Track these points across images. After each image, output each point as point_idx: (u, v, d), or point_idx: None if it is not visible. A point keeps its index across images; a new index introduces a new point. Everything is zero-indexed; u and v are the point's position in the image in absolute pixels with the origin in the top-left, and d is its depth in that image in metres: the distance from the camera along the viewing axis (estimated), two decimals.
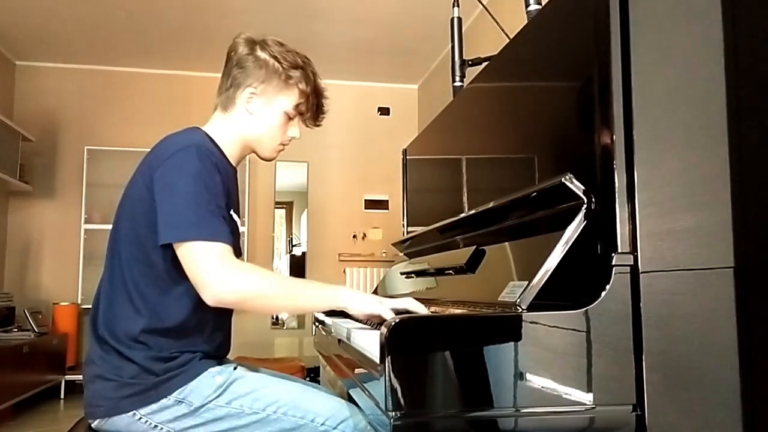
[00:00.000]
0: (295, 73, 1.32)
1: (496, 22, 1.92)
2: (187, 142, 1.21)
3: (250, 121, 1.33)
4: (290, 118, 1.36)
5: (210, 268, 1.12)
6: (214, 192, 1.18)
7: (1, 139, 3.92)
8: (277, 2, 3.60)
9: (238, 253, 1.26)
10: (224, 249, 1.14)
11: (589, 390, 0.88)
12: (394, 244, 2.15)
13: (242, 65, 1.31)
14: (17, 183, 4.17)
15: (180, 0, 3.60)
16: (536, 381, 0.88)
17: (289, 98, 1.33)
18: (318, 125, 1.43)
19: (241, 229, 4.98)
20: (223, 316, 1.31)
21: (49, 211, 4.53)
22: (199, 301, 1.19)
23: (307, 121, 1.40)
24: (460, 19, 1.96)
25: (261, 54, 1.31)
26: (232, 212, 1.29)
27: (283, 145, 1.40)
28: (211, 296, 1.12)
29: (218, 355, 1.32)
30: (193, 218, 1.13)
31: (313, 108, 1.38)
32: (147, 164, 1.23)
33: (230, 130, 1.34)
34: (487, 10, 2.07)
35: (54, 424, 3.46)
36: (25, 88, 4.58)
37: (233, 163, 1.37)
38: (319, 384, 1.54)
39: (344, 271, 4.75)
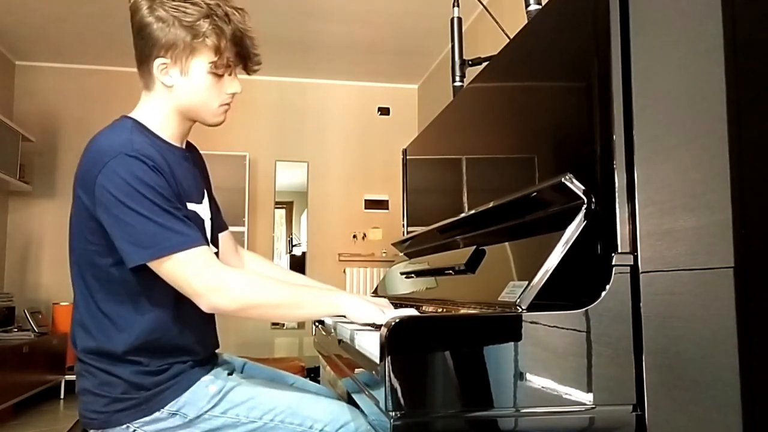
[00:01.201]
0: (202, 27, 1.12)
1: (496, 22, 1.92)
2: (116, 149, 1.09)
3: (174, 95, 1.18)
4: (219, 76, 1.18)
5: (201, 278, 1.08)
6: (163, 196, 1.08)
7: (1, 139, 3.93)
8: (277, 2, 3.60)
9: (215, 240, 1.20)
10: (205, 252, 1.10)
11: (589, 390, 0.88)
12: (394, 244, 2.15)
13: (142, 33, 1.14)
14: (17, 183, 4.17)
15: None
16: (536, 381, 0.88)
17: (203, 58, 1.15)
18: (252, 72, 1.24)
19: (242, 228, 4.92)
20: (205, 317, 1.23)
21: (49, 211, 4.53)
22: (176, 308, 1.15)
23: (239, 70, 1.23)
24: (460, 19, 1.96)
25: (160, 13, 1.12)
26: (190, 204, 1.21)
27: (226, 104, 1.23)
28: (207, 305, 1.09)
29: (208, 354, 1.29)
30: (158, 231, 1.06)
31: (237, 57, 1.19)
32: (80, 178, 1.13)
33: (160, 109, 1.20)
34: (487, 10, 2.07)
35: (54, 424, 3.46)
36: (25, 88, 4.58)
37: (178, 143, 1.25)
38: (319, 383, 1.53)
39: (344, 271, 4.76)
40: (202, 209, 1.28)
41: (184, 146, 1.29)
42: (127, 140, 1.12)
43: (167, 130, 1.22)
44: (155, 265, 1.08)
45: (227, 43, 1.16)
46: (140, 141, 1.13)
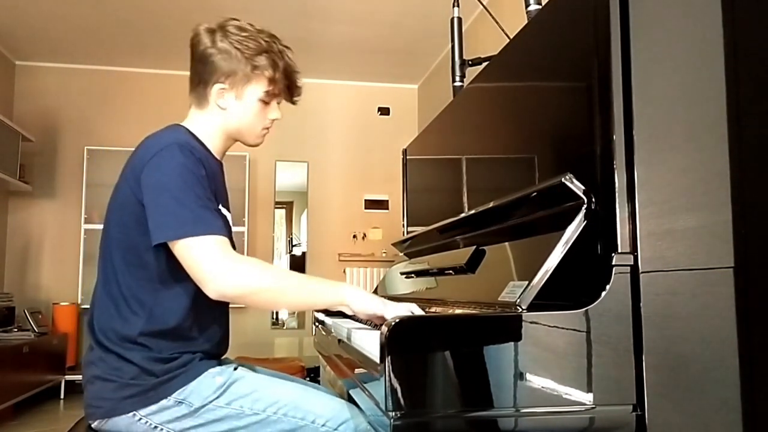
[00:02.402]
0: (260, 61, 1.27)
1: (496, 22, 1.92)
2: (170, 140, 1.19)
3: (226, 116, 1.31)
4: (266, 103, 1.32)
5: (211, 262, 1.11)
6: (202, 186, 1.17)
7: (1, 139, 3.92)
8: (277, 2, 3.60)
9: (232, 246, 1.24)
10: (221, 241, 1.14)
11: (589, 390, 0.88)
12: (394, 244, 2.15)
13: (205, 60, 1.27)
14: (17, 183, 4.17)
15: (180, 0, 3.60)
16: (536, 381, 0.88)
17: (258, 87, 1.29)
18: (294, 102, 1.39)
19: (242, 229, 4.94)
20: (220, 313, 1.31)
21: (49, 211, 4.53)
22: (195, 300, 1.19)
23: (283, 99, 1.37)
24: (460, 19, 1.97)
25: (222, 45, 1.26)
26: (221, 207, 1.28)
27: (267, 128, 1.37)
28: (214, 290, 1.11)
29: (218, 353, 1.32)
30: (185, 215, 1.13)
31: (285, 89, 1.34)
32: (131, 166, 1.22)
33: (209, 125, 1.32)
34: (487, 10, 2.07)
35: (54, 424, 3.46)
36: (25, 88, 4.58)
37: (218, 157, 1.36)
38: (319, 384, 1.53)
39: (344, 271, 4.75)
40: (229, 218, 1.35)
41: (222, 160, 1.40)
42: (180, 136, 1.23)
43: (213, 144, 1.34)
44: (174, 246, 1.13)
45: (280, 76, 1.30)
46: (190, 140, 1.25)
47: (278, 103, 1.36)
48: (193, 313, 1.21)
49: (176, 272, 1.16)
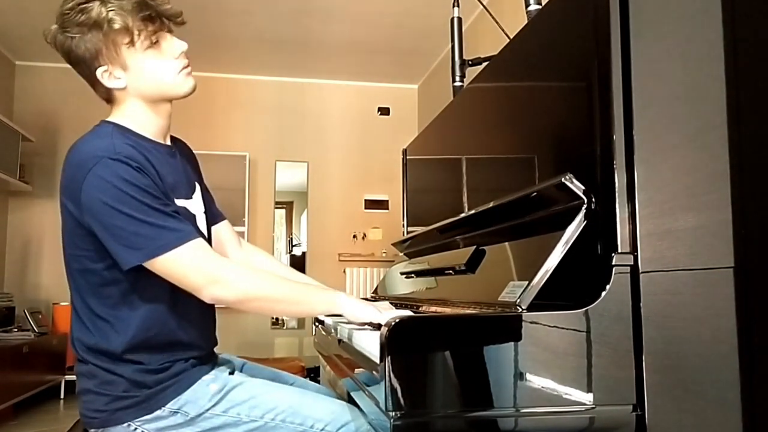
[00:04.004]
0: (102, 17, 1.10)
1: (496, 22, 1.92)
2: (99, 154, 1.09)
3: (132, 90, 1.18)
4: (154, 45, 1.16)
5: (201, 270, 1.09)
6: (151, 195, 1.09)
7: (1, 139, 3.92)
8: (277, 2, 3.60)
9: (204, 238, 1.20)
10: (200, 245, 1.11)
11: (589, 390, 0.88)
12: (394, 244, 2.15)
13: (71, 57, 1.17)
14: (17, 183, 4.17)
15: (179, 0, 3.60)
16: (536, 381, 0.88)
17: (125, 42, 1.13)
18: (177, 25, 1.21)
19: (242, 229, 4.93)
20: (202, 311, 1.25)
21: (49, 211, 4.53)
22: (175, 300, 1.16)
23: (165, 29, 1.18)
24: (460, 19, 1.97)
25: (70, 31, 1.13)
26: (178, 201, 1.21)
27: (183, 66, 1.20)
28: (210, 296, 1.10)
29: (208, 350, 1.29)
30: (149, 231, 1.07)
31: (150, 21, 1.14)
32: (66, 187, 1.15)
33: (131, 109, 1.20)
34: (487, 10, 2.07)
35: (54, 424, 3.46)
36: (25, 88, 4.58)
37: (162, 138, 1.24)
38: (319, 383, 1.52)
39: (344, 271, 4.76)
40: (193, 204, 1.28)
41: (168, 141, 1.29)
42: (109, 144, 1.12)
43: (147, 127, 1.22)
44: (152, 265, 1.09)
45: (132, 16, 1.12)
46: (121, 144, 1.13)
47: (167, 37, 1.18)
48: (176, 314, 1.17)
49: (146, 280, 1.12)
